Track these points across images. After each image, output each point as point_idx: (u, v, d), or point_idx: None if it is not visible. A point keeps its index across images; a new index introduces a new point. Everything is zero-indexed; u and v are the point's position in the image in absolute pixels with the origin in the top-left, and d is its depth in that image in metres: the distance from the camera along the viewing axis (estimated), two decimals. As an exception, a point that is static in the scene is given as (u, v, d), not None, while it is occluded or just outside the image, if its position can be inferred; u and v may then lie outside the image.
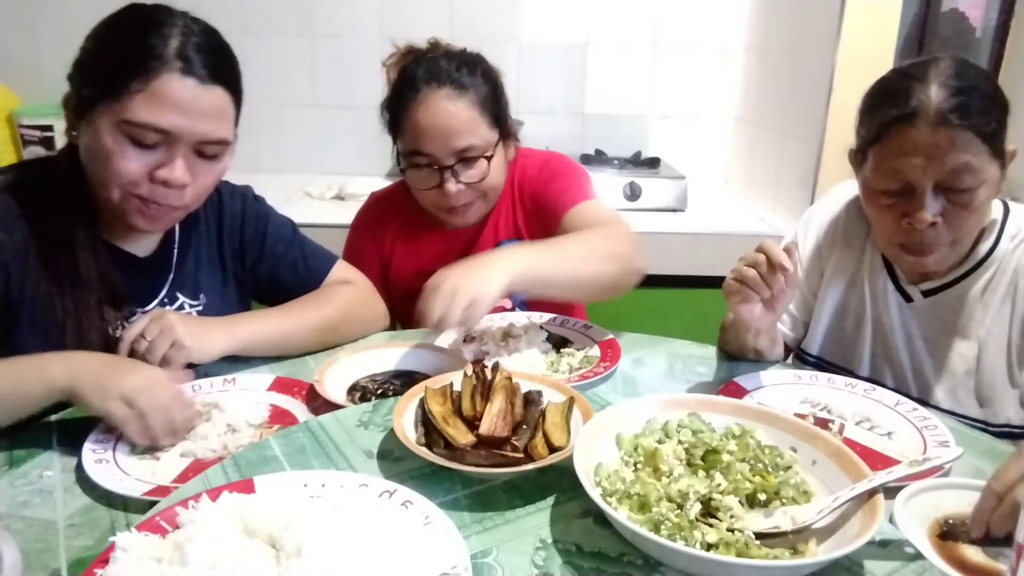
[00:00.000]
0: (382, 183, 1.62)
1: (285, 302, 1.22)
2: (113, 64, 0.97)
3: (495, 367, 0.93)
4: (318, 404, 1.02)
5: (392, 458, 0.87)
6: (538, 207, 1.43)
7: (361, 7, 2.46)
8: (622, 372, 1.14)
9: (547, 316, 1.33)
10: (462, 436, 0.83)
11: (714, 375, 1.15)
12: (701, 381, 1.13)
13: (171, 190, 1.02)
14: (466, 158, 1.33)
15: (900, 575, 0.70)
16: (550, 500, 0.79)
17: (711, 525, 0.72)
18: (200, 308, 1.20)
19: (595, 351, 1.19)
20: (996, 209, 1.13)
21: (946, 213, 1.04)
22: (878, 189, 1.07)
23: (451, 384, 0.94)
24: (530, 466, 0.79)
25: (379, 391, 1.08)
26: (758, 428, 0.85)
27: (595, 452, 0.80)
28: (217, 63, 1.02)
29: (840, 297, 1.26)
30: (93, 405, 0.89)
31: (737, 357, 1.20)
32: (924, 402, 1.10)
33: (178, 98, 0.98)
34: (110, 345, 1.03)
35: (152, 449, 0.92)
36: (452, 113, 1.30)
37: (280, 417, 1.02)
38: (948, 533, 0.72)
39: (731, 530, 0.71)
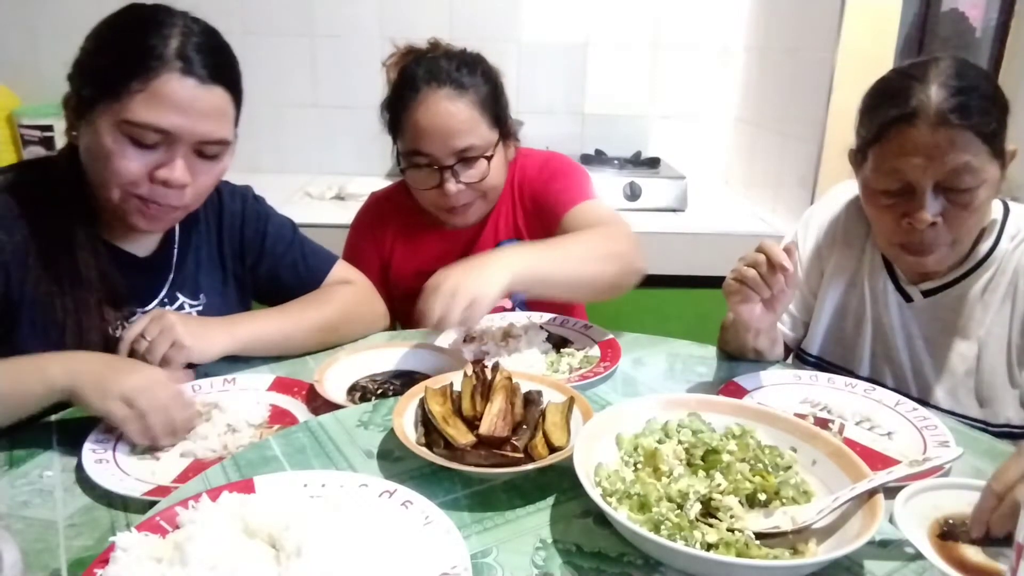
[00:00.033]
0: (382, 183, 1.62)
1: (285, 302, 1.22)
2: (113, 64, 0.97)
3: (495, 367, 0.93)
4: (318, 404, 1.02)
5: (392, 458, 0.87)
6: (538, 207, 1.43)
7: (361, 7, 2.46)
8: (622, 372, 1.14)
9: (547, 316, 1.33)
10: (462, 436, 0.83)
11: (714, 375, 1.15)
12: (701, 381, 1.13)
13: (171, 190, 1.02)
14: (466, 158, 1.33)
15: (900, 575, 0.70)
16: (550, 500, 0.79)
17: (711, 525, 0.72)
18: (200, 308, 1.20)
19: (595, 351, 1.19)
20: (996, 209, 1.13)
21: (946, 213, 1.04)
22: (878, 189, 1.07)
23: (451, 384, 0.94)
24: (530, 466, 0.79)
25: (379, 391, 1.08)
26: (758, 428, 0.85)
27: (595, 452, 0.80)
28: (217, 63, 1.02)
29: (840, 297, 1.26)
30: (93, 405, 0.89)
31: (737, 357, 1.20)
32: (924, 402, 1.10)
33: (178, 98, 0.98)
34: (110, 345, 1.03)
35: (152, 449, 0.92)
36: (452, 113, 1.30)
37: (280, 417, 1.02)
38: (948, 533, 0.72)
39: (731, 530, 0.71)
